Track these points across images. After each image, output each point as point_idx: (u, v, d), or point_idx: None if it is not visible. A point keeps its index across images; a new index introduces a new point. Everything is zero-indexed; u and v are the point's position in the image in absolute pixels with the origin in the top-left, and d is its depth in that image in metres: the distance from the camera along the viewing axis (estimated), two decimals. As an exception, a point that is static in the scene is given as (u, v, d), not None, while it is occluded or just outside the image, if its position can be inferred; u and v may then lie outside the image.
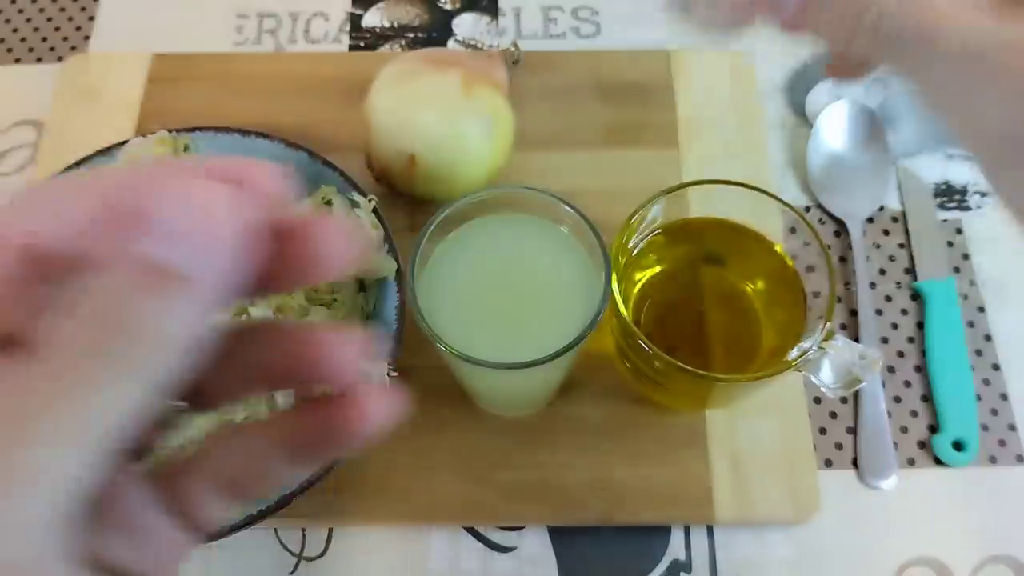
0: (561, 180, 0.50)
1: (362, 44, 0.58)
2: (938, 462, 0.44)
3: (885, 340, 0.47)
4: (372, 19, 0.59)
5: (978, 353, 0.46)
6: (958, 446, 0.43)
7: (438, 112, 0.42)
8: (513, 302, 0.36)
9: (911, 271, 0.49)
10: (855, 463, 0.44)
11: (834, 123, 0.52)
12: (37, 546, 0.13)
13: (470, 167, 0.44)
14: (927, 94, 0.28)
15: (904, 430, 0.45)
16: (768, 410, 0.44)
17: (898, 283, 0.49)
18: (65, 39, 0.58)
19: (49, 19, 0.59)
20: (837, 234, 0.50)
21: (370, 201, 0.43)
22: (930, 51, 0.26)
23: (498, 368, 0.32)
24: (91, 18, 0.59)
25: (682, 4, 0.33)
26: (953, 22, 0.25)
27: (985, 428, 0.44)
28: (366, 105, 0.44)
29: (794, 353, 0.37)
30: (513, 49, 0.50)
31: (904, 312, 0.48)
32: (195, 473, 0.18)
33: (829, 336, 0.36)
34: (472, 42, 0.58)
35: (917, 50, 0.26)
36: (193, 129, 0.45)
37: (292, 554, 0.42)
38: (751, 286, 0.42)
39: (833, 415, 0.45)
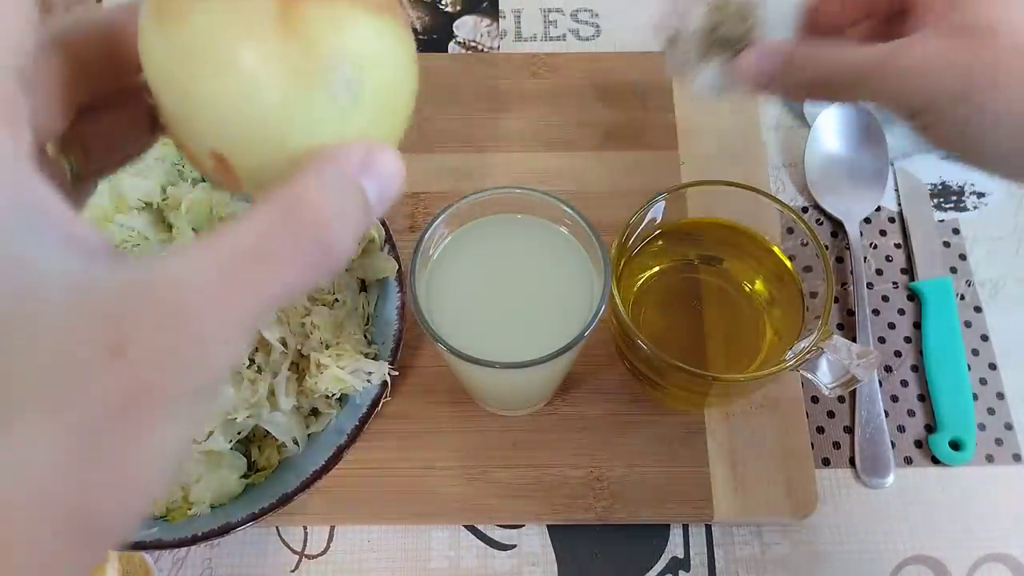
0: (561, 180, 0.51)
1: (363, 46, 0.58)
2: (935, 461, 0.44)
3: (882, 340, 0.47)
4: (373, 21, 0.59)
5: (975, 353, 0.47)
6: (955, 445, 0.44)
7: (243, 76, 0.19)
8: (513, 302, 0.37)
9: (908, 271, 0.49)
10: (852, 462, 0.44)
11: (832, 124, 0.52)
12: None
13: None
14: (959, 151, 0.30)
15: (901, 429, 0.45)
16: (766, 409, 0.44)
17: (895, 283, 0.49)
18: (68, 41, 0.58)
19: (52, 21, 0.59)
20: (834, 234, 0.50)
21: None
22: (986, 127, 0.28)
23: (498, 368, 0.33)
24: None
25: (679, 68, 0.34)
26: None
27: (982, 427, 0.45)
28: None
29: (792, 353, 0.37)
30: None
31: (901, 312, 0.48)
32: None
33: (826, 336, 0.36)
34: (473, 44, 0.58)
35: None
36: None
37: (294, 552, 0.42)
38: (749, 286, 0.43)
39: (831, 414, 0.45)
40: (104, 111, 0.21)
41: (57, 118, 0.19)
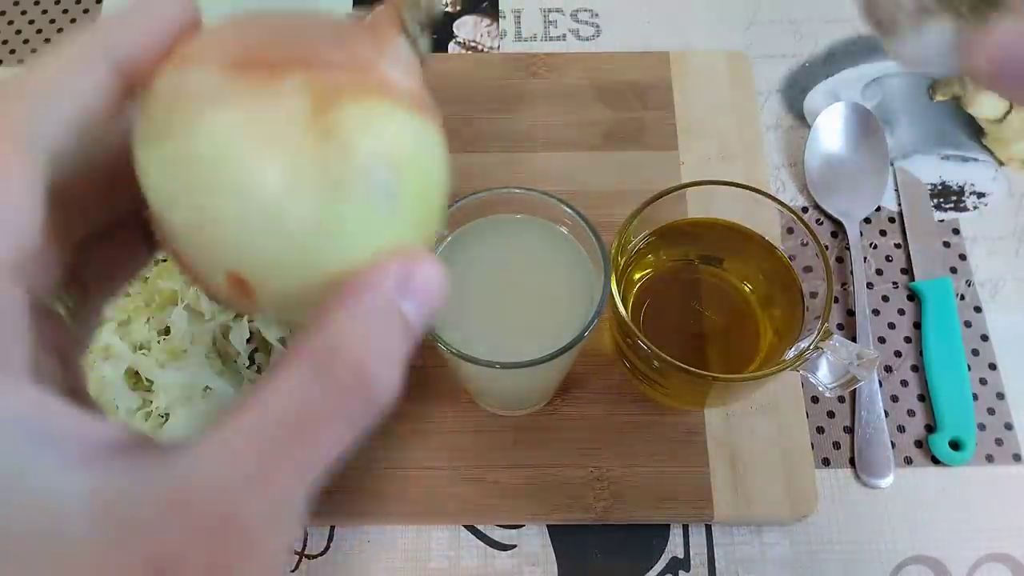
0: (561, 180, 0.51)
1: (363, 46, 0.58)
2: (935, 461, 0.44)
3: (882, 340, 0.47)
4: (373, 21, 0.59)
5: (975, 353, 0.47)
6: (955, 445, 0.44)
7: (271, 190, 0.17)
8: (513, 302, 0.37)
9: (908, 271, 0.49)
10: (852, 462, 0.44)
11: (832, 124, 0.52)
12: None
13: (361, 265, 0.19)
14: None
15: (901, 429, 0.45)
16: (766, 409, 0.44)
17: (895, 283, 0.49)
18: (68, 41, 0.58)
19: (52, 20, 0.59)
20: (834, 234, 0.50)
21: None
22: None
23: (498, 368, 0.33)
24: (93, 20, 0.59)
25: (884, 20, 0.24)
26: None
27: (982, 427, 0.45)
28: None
29: (792, 353, 0.37)
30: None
31: (901, 312, 0.48)
32: None
33: (826, 336, 0.36)
34: (473, 44, 0.58)
35: None
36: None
37: (294, 552, 0.42)
38: (749, 286, 0.43)
39: (831, 414, 0.45)
40: (99, 241, 0.20)
41: (52, 270, 0.18)
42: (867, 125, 0.52)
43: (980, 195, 0.52)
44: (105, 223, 0.20)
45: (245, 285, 0.17)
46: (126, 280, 0.22)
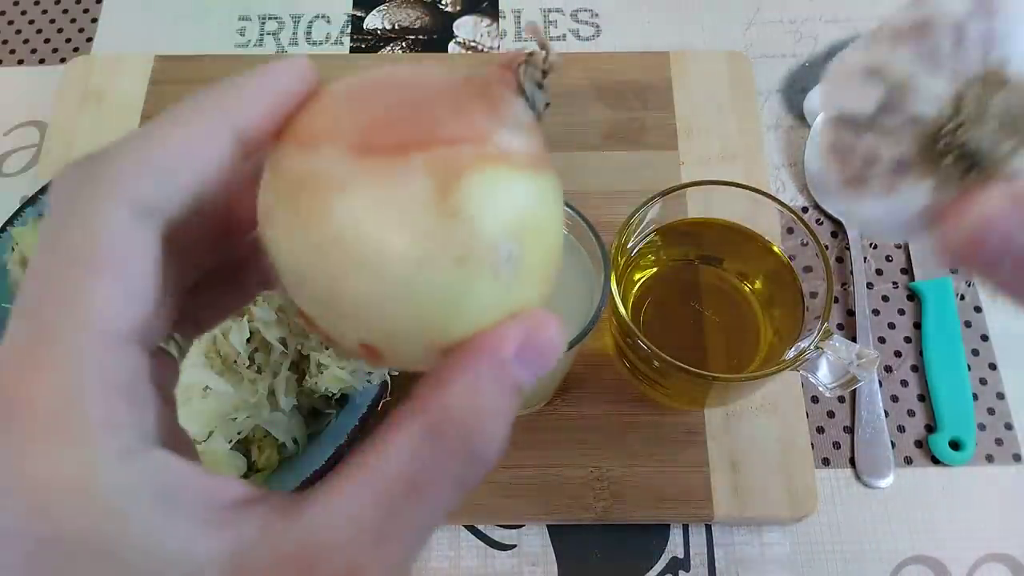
0: (561, 180, 0.51)
1: (363, 46, 0.58)
2: (935, 461, 0.44)
3: (882, 340, 0.47)
4: (373, 21, 0.59)
5: (975, 353, 0.47)
6: (955, 445, 0.44)
7: (401, 271, 0.17)
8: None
9: (908, 271, 0.49)
10: (852, 462, 0.44)
11: (832, 124, 0.52)
12: None
13: (485, 328, 0.20)
14: None
15: (901, 429, 0.45)
16: (766, 409, 0.44)
17: (895, 283, 0.49)
18: (68, 40, 0.58)
19: (52, 20, 0.59)
20: (834, 235, 0.50)
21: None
22: None
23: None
24: (94, 20, 0.59)
25: (849, 176, 0.19)
26: None
27: (982, 427, 0.45)
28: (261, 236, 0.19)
29: (792, 353, 0.37)
30: (537, 53, 0.19)
31: (901, 312, 0.48)
32: None
33: (826, 336, 0.36)
34: (473, 44, 0.58)
35: None
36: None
37: None
38: (749, 286, 0.43)
39: (831, 414, 0.45)
40: (212, 280, 0.20)
41: (167, 320, 0.18)
42: (867, 125, 0.52)
43: (980, 195, 0.52)
44: (218, 265, 0.20)
45: (375, 351, 0.19)
46: (235, 311, 0.22)
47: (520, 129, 0.18)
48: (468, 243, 0.17)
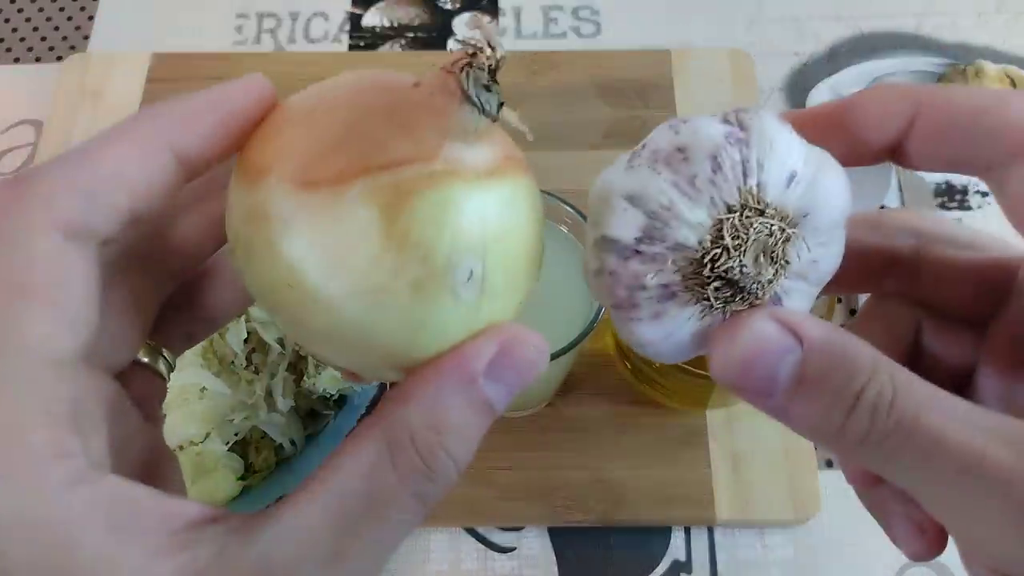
0: (561, 180, 0.50)
1: (362, 44, 0.58)
2: (939, 462, 0.44)
3: (886, 340, 0.47)
4: (372, 19, 0.59)
5: (979, 353, 0.46)
6: (959, 446, 0.43)
7: (357, 308, 0.17)
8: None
9: (912, 271, 0.49)
10: (856, 463, 0.44)
11: (834, 123, 0.52)
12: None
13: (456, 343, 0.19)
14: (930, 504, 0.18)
15: (905, 430, 0.44)
16: (768, 410, 0.44)
17: (899, 283, 0.49)
18: (64, 39, 0.58)
19: (48, 19, 0.59)
20: (838, 234, 0.50)
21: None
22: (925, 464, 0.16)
23: (498, 368, 0.32)
24: (90, 17, 0.59)
25: (616, 296, 0.19)
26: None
27: (986, 428, 0.44)
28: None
29: (795, 353, 0.37)
30: (480, 52, 0.17)
31: (905, 312, 0.48)
32: None
33: (830, 336, 0.36)
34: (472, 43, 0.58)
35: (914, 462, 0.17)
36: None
37: None
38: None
39: (834, 415, 0.45)
40: (204, 287, 0.20)
41: (134, 338, 0.18)
42: (870, 123, 0.52)
43: (984, 194, 0.51)
44: (199, 273, 0.20)
45: (354, 374, 0.20)
46: (226, 322, 0.22)
47: (470, 138, 0.17)
48: (422, 268, 0.16)
